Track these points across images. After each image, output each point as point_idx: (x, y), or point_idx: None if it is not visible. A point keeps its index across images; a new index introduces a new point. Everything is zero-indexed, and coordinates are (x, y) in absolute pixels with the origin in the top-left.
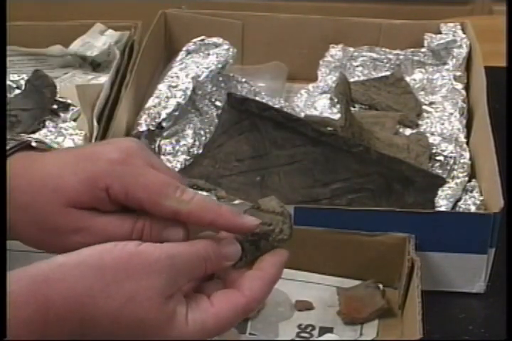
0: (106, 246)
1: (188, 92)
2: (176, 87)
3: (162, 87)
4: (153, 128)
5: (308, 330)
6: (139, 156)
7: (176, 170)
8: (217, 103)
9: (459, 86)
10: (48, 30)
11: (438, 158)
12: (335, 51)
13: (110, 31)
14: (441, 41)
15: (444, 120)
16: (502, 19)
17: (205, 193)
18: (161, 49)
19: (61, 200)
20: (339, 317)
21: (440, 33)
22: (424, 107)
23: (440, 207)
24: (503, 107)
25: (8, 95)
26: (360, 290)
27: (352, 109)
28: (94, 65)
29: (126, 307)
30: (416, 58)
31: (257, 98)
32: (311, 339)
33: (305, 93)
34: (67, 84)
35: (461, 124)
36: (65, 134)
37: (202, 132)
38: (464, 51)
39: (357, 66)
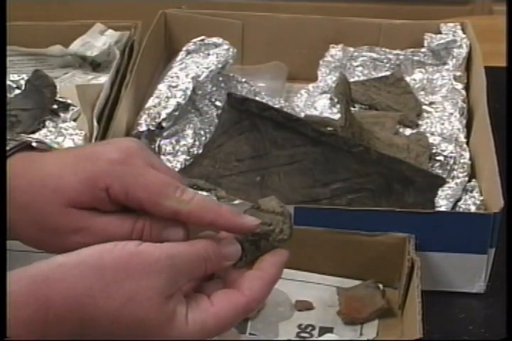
0: (106, 246)
1: (188, 92)
2: (176, 87)
3: (162, 87)
4: (153, 128)
5: (308, 330)
6: (139, 156)
7: (176, 170)
8: (217, 103)
9: (459, 86)
10: (48, 30)
11: (438, 158)
12: (335, 51)
13: (110, 31)
14: (441, 41)
15: (444, 120)
16: (502, 19)
17: (205, 193)
18: (161, 49)
19: (61, 200)
20: (339, 317)
21: (440, 33)
22: (424, 107)
23: (440, 207)
24: (503, 107)
25: (8, 95)
26: (360, 290)
27: (352, 109)
28: (94, 65)
29: (126, 307)
30: (416, 58)
31: (257, 98)
32: (311, 339)
33: (305, 93)
34: (67, 84)
35: (461, 124)
36: (65, 134)
37: (202, 132)
38: (464, 51)
39: (357, 66)
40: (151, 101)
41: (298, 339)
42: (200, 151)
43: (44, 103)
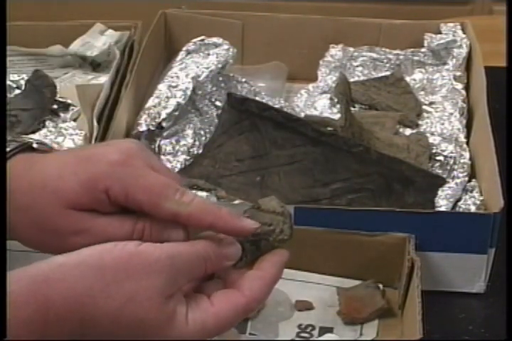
0: (106, 246)
1: (188, 92)
2: (176, 87)
3: (162, 87)
4: (153, 128)
5: (308, 330)
6: (139, 158)
7: (176, 170)
8: (217, 103)
9: (459, 86)
10: (48, 30)
11: (438, 158)
12: (335, 51)
13: (110, 31)
14: (441, 41)
15: (444, 120)
16: (502, 19)
17: (205, 193)
18: (161, 49)
19: (61, 202)
20: (339, 317)
21: (440, 33)
22: (424, 107)
23: (440, 207)
24: (503, 107)
25: (8, 95)
26: (360, 290)
27: (352, 109)
28: (94, 65)
29: (126, 307)
30: (416, 58)
31: (257, 98)
32: (311, 339)
33: (305, 93)
34: (67, 84)
35: (461, 124)
36: (65, 134)
37: (202, 132)
38: (464, 51)
39: (357, 66)
40: (151, 101)
41: (298, 339)
42: (200, 151)
43: (44, 103)
